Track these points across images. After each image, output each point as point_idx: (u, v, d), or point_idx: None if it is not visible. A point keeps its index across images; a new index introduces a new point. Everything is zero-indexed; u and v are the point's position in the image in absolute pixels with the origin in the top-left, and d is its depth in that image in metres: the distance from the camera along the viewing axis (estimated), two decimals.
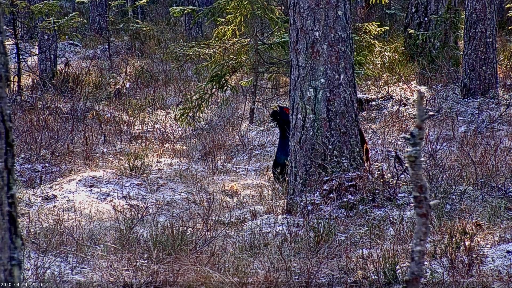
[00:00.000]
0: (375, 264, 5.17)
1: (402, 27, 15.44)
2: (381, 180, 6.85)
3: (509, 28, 17.15)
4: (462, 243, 5.43)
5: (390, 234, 5.98)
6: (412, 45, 14.18)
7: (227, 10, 10.67)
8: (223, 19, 10.93)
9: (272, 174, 8.29)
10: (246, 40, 10.93)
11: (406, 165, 6.59)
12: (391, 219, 6.30)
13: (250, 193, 7.74)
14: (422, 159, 3.46)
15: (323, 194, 6.72)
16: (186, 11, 11.05)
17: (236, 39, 10.90)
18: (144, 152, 9.26)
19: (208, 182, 8.15)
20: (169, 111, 12.19)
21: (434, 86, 12.58)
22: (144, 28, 17.60)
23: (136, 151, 9.29)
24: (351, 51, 7.00)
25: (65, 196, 7.47)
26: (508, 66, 13.68)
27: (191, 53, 11.06)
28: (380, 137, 9.54)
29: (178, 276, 5.13)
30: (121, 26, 17.56)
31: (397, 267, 5.16)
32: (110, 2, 18.01)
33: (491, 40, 11.49)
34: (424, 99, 11.36)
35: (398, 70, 13.43)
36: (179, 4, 20.26)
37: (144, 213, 6.75)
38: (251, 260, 5.53)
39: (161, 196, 7.71)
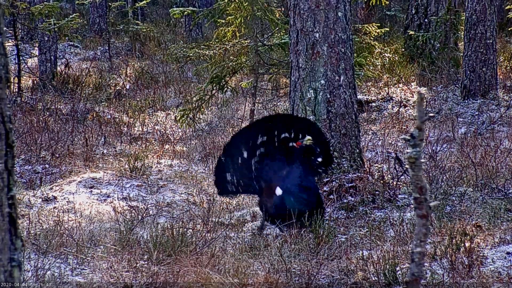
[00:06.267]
0: (375, 265, 5.17)
1: (402, 29, 15.44)
2: (381, 182, 6.85)
3: (509, 29, 17.15)
4: (462, 244, 5.43)
5: (390, 235, 5.98)
6: (412, 47, 14.18)
7: (227, 12, 10.67)
8: (223, 21, 10.93)
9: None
10: (246, 41, 10.93)
11: (406, 166, 6.59)
12: (391, 220, 6.30)
13: None
14: (422, 160, 3.46)
15: (323, 195, 6.72)
16: (186, 12, 11.05)
17: (236, 41, 10.90)
18: (144, 153, 9.25)
19: (208, 184, 8.14)
20: (169, 112, 12.19)
21: (434, 88, 12.58)
22: (144, 30, 17.61)
23: (136, 152, 9.28)
24: (351, 53, 7.00)
25: (65, 198, 7.47)
26: (508, 68, 13.68)
27: (191, 54, 11.05)
28: (380, 138, 9.54)
29: (178, 277, 5.13)
30: (121, 27, 17.57)
31: (397, 268, 5.16)
32: (110, 4, 18.01)
33: (491, 41, 11.49)
34: (424, 101, 11.37)
35: (398, 71, 13.43)
36: (179, 6, 20.27)
37: (144, 214, 6.75)
38: (251, 262, 5.53)
39: (161, 197, 7.71)
